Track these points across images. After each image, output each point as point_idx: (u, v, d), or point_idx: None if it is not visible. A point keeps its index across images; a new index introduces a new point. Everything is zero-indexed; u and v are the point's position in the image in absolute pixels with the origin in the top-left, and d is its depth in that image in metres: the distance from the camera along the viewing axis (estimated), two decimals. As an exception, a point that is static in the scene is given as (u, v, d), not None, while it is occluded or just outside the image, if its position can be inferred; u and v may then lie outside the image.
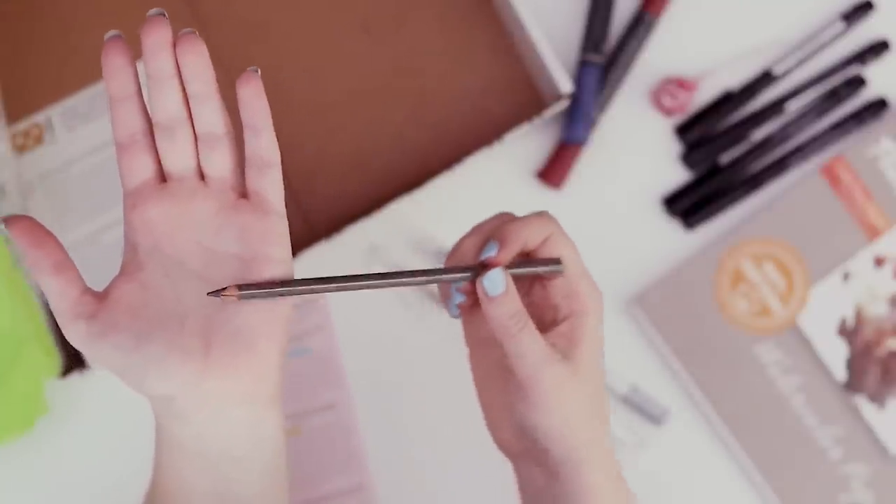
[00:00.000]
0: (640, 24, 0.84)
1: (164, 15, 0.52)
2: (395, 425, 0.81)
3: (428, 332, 0.82)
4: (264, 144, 0.52)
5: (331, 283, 0.53)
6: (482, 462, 0.81)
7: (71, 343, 0.57)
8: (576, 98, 0.83)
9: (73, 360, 0.81)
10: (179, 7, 0.84)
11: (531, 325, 0.56)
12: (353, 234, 0.83)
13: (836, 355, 0.81)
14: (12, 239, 0.50)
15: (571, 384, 0.56)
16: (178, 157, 0.53)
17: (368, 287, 0.54)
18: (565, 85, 0.80)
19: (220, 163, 0.53)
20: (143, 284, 0.52)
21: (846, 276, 0.82)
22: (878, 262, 0.82)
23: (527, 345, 0.55)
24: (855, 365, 0.81)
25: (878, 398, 0.81)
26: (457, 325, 0.82)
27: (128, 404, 0.81)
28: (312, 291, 0.52)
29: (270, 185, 0.53)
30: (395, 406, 0.82)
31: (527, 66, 0.84)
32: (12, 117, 0.83)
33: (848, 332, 0.82)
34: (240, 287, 0.51)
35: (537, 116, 0.80)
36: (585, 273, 0.57)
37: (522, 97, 0.84)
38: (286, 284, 0.52)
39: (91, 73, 0.83)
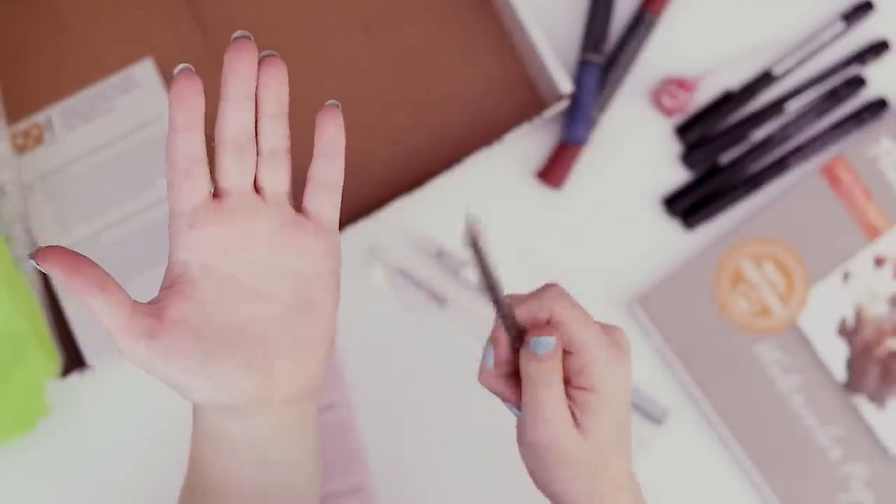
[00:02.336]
0: (641, 23, 0.84)
1: (250, 38, 0.51)
2: (394, 425, 0.81)
3: (428, 332, 0.82)
4: (336, 172, 0.54)
5: None
6: (482, 462, 0.81)
7: (130, 363, 0.57)
8: (576, 98, 0.83)
9: (73, 360, 0.81)
10: (179, 7, 0.84)
11: (557, 387, 0.55)
12: (353, 234, 0.83)
13: (835, 355, 0.81)
14: (46, 272, 0.49)
15: (578, 451, 0.56)
16: (241, 175, 0.53)
17: None
18: (565, 85, 0.80)
19: (282, 178, 0.54)
20: (201, 301, 0.51)
21: (846, 276, 0.82)
22: (878, 262, 0.82)
23: (551, 403, 0.55)
24: (855, 365, 0.81)
25: (877, 398, 0.81)
26: (457, 326, 0.82)
27: (128, 404, 0.81)
28: None
29: (332, 207, 0.54)
30: (395, 406, 0.82)
31: (527, 67, 0.84)
32: (12, 117, 0.83)
33: (848, 332, 0.82)
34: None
35: (537, 116, 0.80)
36: (601, 352, 0.56)
37: (522, 97, 0.84)
38: None
39: (91, 73, 0.83)
